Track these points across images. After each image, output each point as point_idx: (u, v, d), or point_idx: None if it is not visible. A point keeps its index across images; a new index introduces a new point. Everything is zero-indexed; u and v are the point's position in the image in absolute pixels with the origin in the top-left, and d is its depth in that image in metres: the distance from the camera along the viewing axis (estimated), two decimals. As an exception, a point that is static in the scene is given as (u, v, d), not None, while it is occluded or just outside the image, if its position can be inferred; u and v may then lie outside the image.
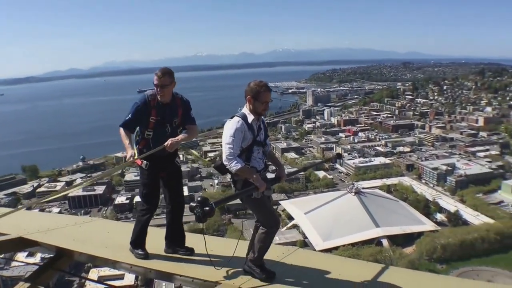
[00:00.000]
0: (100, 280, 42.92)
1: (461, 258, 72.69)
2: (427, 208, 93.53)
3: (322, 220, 75.15)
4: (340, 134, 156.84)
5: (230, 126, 4.27)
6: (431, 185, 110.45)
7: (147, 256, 4.94)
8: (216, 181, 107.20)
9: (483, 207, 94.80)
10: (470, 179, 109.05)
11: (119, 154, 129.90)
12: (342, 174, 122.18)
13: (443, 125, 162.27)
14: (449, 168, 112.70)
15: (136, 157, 4.79)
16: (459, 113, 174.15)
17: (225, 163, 4.22)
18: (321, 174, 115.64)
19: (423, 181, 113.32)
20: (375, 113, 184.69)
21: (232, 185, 4.51)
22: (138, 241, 5.02)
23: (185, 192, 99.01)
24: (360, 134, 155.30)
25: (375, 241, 73.45)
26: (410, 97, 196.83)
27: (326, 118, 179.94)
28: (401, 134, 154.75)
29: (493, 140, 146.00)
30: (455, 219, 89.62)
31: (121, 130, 4.82)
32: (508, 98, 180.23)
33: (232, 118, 4.35)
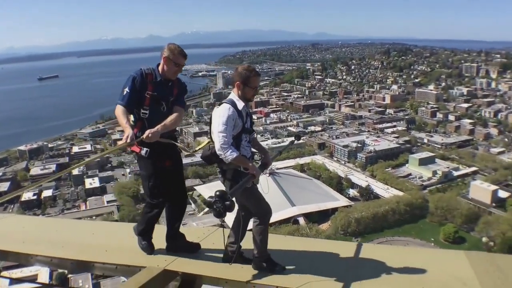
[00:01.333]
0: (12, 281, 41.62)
1: (374, 230, 75.76)
2: (340, 184, 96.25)
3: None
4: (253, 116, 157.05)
5: (222, 113, 4.08)
6: (343, 162, 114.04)
7: (150, 248, 4.67)
8: (128, 170, 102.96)
9: (392, 181, 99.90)
10: (379, 155, 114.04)
11: (22, 147, 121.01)
12: (256, 156, 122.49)
13: (352, 103, 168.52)
14: (359, 145, 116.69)
15: (132, 141, 4.19)
16: (367, 91, 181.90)
17: (219, 152, 4.01)
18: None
19: (335, 158, 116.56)
20: (286, 94, 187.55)
21: (221, 176, 4.31)
22: (143, 232, 4.74)
23: (97, 183, 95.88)
24: (272, 115, 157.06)
25: (292, 220, 74.01)
26: (319, 77, 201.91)
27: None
28: (312, 113, 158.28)
29: (399, 116, 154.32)
30: (367, 194, 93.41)
31: (118, 107, 4.36)
32: (412, 76, 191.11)
33: (220, 105, 4.20)
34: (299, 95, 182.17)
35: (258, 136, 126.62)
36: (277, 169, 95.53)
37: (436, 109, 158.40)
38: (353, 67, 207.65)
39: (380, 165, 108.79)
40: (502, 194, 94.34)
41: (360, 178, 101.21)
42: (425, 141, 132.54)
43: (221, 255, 4.50)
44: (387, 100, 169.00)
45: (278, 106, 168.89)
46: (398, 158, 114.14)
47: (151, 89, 4.41)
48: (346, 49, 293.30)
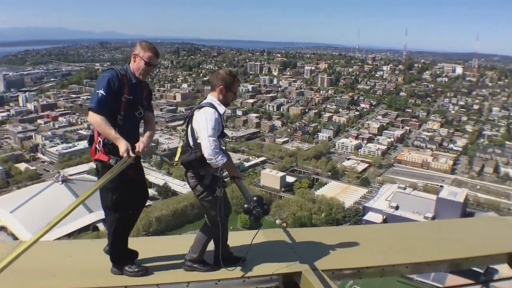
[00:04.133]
0: None
1: (176, 227, 79.22)
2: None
3: (32, 216, 71.15)
4: (39, 121, 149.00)
5: (209, 117, 3.98)
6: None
7: (146, 270, 4.11)
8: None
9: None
10: (174, 152, 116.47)
11: None
12: (46, 163, 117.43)
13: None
14: (153, 144, 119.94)
15: (130, 153, 3.82)
16: (157, 90, 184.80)
17: (209, 157, 3.90)
18: (22, 166, 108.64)
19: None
20: (74, 95, 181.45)
21: (195, 181, 4.11)
22: (125, 257, 4.16)
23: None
24: (60, 118, 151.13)
25: (91, 227, 74.04)
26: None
27: (21, 104, 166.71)
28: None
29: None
30: (165, 192, 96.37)
31: (95, 115, 3.84)
32: (201, 75, 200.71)
33: (201, 108, 4.09)
34: (89, 97, 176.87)
35: (47, 142, 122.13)
36: (70, 175, 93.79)
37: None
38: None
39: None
40: (289, 179, 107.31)
41: (157, 177, 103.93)
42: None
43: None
44: (178, 99, 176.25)
45: (67, 109, 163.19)
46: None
47: (127, 92, 3.97)
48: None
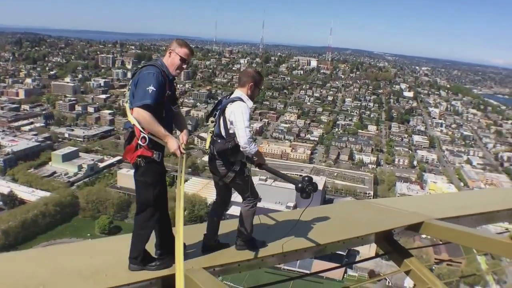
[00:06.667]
0: None
1: (26, 239, 73.67)
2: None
3: None
4: None
5: (244, 110, 4.41)
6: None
7: (168, 262, 4.19)
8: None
9: (37, 182, 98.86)
10: (18, 156, 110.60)
11: None
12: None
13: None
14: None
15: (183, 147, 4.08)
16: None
17: (244, 145, 4.32)
18: None
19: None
20: None
21: (225, 169, 4.56)
22: (145, 255, 4.23)
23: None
24: None
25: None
26: None
27: None
28: None
29: (36, 112, 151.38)
30: (11, 201, 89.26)
31: (143, 112, 3.94)
32: (47, 68, 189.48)
33: (234, 102, 4.49)
34: None
35: None
36: None
37: (74, 101, 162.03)
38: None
39: (21, 167, 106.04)
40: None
41: (1, 185, 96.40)
42: (67, 135, 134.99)
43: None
44: (21, 95, 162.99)
45: None
46: (40, 156, 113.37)
47: (168, 87, 4.21)
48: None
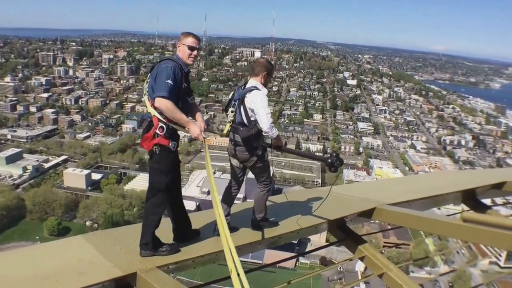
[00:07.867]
0: None
1: None
2: None
3: None
4: None
5: (263, 98, 4.75)
6: None
7: (178, 247, 4.48)
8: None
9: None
10: None
11: None
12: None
13: None
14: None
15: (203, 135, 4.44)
16: None
17: (267, 130, 4.67)
18: None
19: None
20: None
21: (247, 154, 4.90)
22: (156, 240, 4.41)
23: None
24: None
25: None
26: None
27: None
28: None
29: None
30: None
31: (166, 101, 4.20)
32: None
33: (251, 91, 4.80)
34: None
35: None
36: None
37: (16, 101, 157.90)
38: None
39: None
40: (95, 176, 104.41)
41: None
42: (9, 137, 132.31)
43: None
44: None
45: None
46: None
47: (184, 80, 4.47)
48: None
